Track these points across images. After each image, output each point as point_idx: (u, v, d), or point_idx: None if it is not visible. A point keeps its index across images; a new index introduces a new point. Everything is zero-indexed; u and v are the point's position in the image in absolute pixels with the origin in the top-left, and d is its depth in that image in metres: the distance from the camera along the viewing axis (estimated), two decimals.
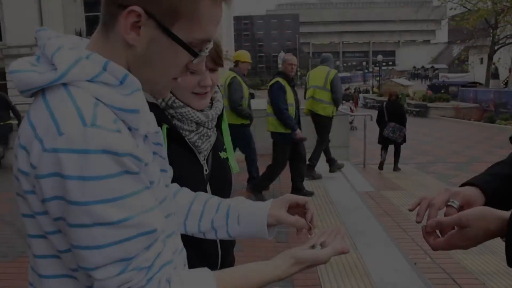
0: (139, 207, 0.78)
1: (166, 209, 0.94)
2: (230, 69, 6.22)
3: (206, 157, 1.45)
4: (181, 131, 1.38)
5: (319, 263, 0.98)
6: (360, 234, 4.81)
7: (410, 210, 1.15)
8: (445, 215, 1.09)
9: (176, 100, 1.36)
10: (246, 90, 6.11)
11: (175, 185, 1.25)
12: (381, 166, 9.39)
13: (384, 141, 9.33)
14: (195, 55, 0.86)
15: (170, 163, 1.31)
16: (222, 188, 1.49)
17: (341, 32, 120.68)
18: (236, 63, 6.19)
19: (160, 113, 1.33)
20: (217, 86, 1.51)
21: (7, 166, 7.85)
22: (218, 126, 1.51)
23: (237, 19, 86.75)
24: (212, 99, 1.48)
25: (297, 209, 1.12)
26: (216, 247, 1.47)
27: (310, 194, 6.15)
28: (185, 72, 0.93)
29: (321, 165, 7.60)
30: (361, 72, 79.46)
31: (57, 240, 0.80)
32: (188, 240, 1.17)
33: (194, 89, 1.35)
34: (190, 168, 1.40)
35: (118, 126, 0.77)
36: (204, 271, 0.89)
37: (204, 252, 1.38)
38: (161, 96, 0.96)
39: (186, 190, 1.25)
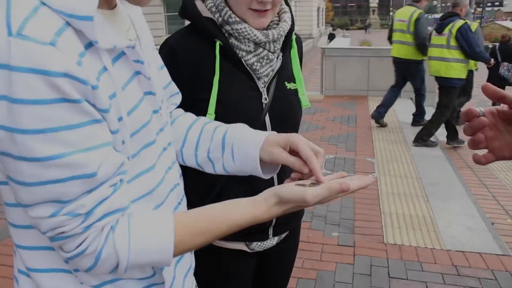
0: (77, 144, 0.63)
1: (147, 137, 0.78)
2: (410, 4, 6.15)
3: (266, 84, 1.27)
4: (237, 51, 1.22)
5: (306, 205, 0.78)
6: (434, 185, 4.45)
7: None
8: None
9: (233, 15, 1.20)
10: None
11: (179, 110, 1.10)
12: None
13: (499, 82, 8.54)
14: None
15: (225, 85, 1.20)
16: (285, 121, 1.30)
17: None
18: None
19: (214, 29, 1.20)
20: (287, 4, 1.32)
21: None
22: (287, 52, 1.32)
23: None
24: (279, 19, 1.29)
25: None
26: (272, 185, 1.29)
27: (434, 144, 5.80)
28: None
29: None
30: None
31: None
32: (236, 176, 1.02)
33: (251, 4, 1.17)
34: (246, 93, 1.24)
35: (56, 38, 0.60)
36: (161, 213, 0.76)
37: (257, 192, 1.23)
38: (138, 3, 0.76)
39: (188, 114, 1.09)
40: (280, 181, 1.33)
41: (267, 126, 1.27)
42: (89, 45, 0.66)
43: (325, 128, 6.71)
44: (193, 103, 1.22)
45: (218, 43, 1.20)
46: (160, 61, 1.00)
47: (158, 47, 1.20)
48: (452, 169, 4.94)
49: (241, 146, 0.95)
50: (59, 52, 0.60)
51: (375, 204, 4.04)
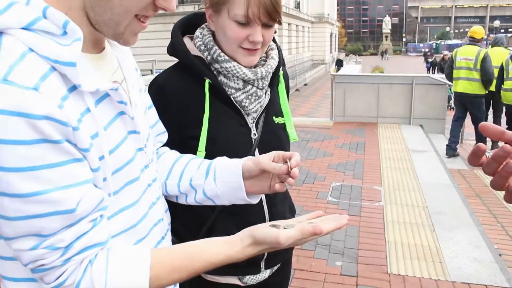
0: (57, 182, 0.67)
1: (131, 174, 0.82)
2: (471, 44, 6.88)
3: (255, 120, 1.30)
4: (227, 88, 1.25)
5: (279, 247, 0.81)
6: (441, 214, 4.40)
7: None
8: None
9: (222, 54, 1.23)
10: None
11: (165, 148, 1.14)
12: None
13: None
14: None
15: (215, 122, 1.23)
16: None
17: None
18: (473, 39, 6.88)
19: (203, 67, 1.22)
20: (275, 43, 1.35)
21: None
22: (275, 87, 1.35)
23: None
24: (266, 57, 1.32)
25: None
26: (263, 219, 1.33)
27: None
28: (155, 11, 0.79)
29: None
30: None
31: None
32: (228, 210, 1.10)
33: (242, 43, 1.20)
34: (236, 129, 1.27)
35: (39, 82, 0.65)
36: (139, 249, 0.79)
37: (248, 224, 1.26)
38: (126, 44, 0.81)
39: (174, 151, 1.14)
40: (271, 215, 1.34)
41: None
42: (73, 88, 0.70)
43: (333, 155, 6.70)
44: (183, 141, 1.24)
45: (207, 81, 1.22)
46: (148, 101, 1.04)
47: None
48: (460, 198, 4.89)
49: (223, 166, 1.02)
50: (41, 96, 0.64)
51: (380, 233, 4.00)
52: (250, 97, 1.27)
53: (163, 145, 1.16)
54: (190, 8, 15.25)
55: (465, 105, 7.06)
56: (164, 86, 1.26)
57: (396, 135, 7.95)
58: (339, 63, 26.33)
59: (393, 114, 8.90)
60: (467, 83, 6.85)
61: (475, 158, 0.68)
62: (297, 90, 18.38)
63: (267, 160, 0.98)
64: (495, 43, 7.50)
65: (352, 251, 3.67)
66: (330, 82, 9.52)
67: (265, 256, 1.38)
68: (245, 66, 1.23)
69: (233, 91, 1.26)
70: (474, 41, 6.91)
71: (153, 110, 1.08)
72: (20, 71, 0.64)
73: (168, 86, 1.25)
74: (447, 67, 7.45)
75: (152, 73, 10.36)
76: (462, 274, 3.29)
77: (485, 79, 6.64)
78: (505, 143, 0.68)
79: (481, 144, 0.68)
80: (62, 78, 0.68)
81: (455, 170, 6.27)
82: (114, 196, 0.78)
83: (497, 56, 6.95)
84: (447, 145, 7.13)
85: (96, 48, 0.81)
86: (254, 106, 1.28)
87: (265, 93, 1.31)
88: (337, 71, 21.66)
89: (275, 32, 1.28)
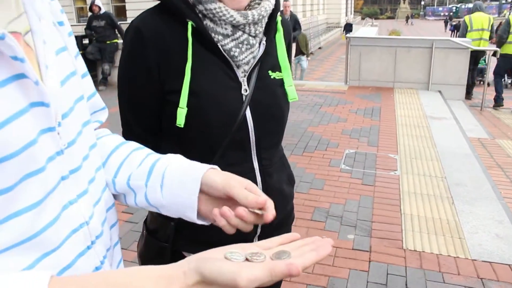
0: None
1: (31, 165, 0.57)
2: None
3: (247, 73, 1.09)
4: (213, 34, 1.03)
5: None
6: (461, 186, 4.15)
7: None
8: None
9: None
10: None
11: (105, 130, 0.91)
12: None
13: None
14: None
15: (199, 74, 1.00)
16: (269, 116, 1.12)
17: None
18: None
19: (186, 8, 1.01)
20: None
21: (113, 83, 8.08)
22: (271, 36, 1.14)
23: None
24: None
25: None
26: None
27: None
28: None
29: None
30: (497, 2, 70.71)
31: None
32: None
33: None
34: (223, 82, 1.06)
35: None
36: (27, 278, 0.50)
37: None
38: None
39: (116, 137, 0.91)
40: (266, 186, 1.14)
41: (248, 121, 1.08)
42: None
43: (347, 120, 6.43)
44: (164, 96, 1.05)
45: (190, 23, 1.01)
46: (81, 67, 0.79)
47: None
48: (481, 169, 4.62)
49: (176, 174, 0.77)
50: None
51: (395, 204, 3.77)
52: (240, 45, 1.06)
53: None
54: None
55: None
56: (141, 30, 1.03)
57: (413, 101, 7.62)
58: (348, 28, 23.70)
59: (411, 79, 8.58)
60: None
61: None
62: (311, 53, 17.87)
63: (239, 187, 0.73)
64: (475, 9, 9.13)
65: (366, 223, 3.46)
66: (345, 45, 9.14)
67: (258, 233, 1.19)
68: (233, 9, 1.02)
69: (220, 37, 1.05)
70: None
71: (89, 79, 0.83)
72: None
73: (146, 29, 1.03)
74: (503, 31, 8.40)
75: None
76: (483, 251, 3.07)
77: None
78: None
79: None
80: None
81: (475, 139, 5.97)
82: (3, 196, 0.54)
83: (479, 20, 8.91)
84: (495, 98, 8.72)
85: None
86: (246, 57, 1.08)
87: (259, 43, 1.10)
88: (345, 37, 20.77)
89: None
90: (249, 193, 0.72)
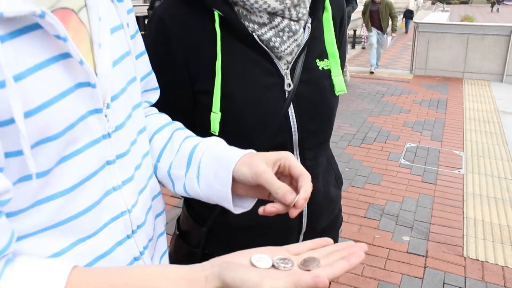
0: None
1: (71, 147, 0.56)
2: None
3: (290, 65, 0.93)
4: (247, 23, 0.89)
5: None
6: None
7: None
8: None
9: None
10: None
11: (152, 109, 0.85)
12: None
13: None
14: None
15: (232, 72, 0.91)
16: (316, 115, 0.98)
17: None
18: None
19: None
20: None
21: None
22: (318, 17, 0.97)
23: None
24: None
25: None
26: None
27: None
28: None
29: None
30: None
31: None
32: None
33: None
34: (262, 80, 0.91)
35: None
36: (52, 266, 0.51)
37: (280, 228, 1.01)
38: None
39: (161, 116, 0.85)
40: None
41: (292, 122, 0.94)
42: None
43: (411, 111, 6.12)
44: (195, 97, 0.94)
45: (216, 13, 0.86)
46: (140, 46, 0.77)
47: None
48: None
49: (209, 163, 0.73)
50: None
51: (458, 206, 3.51)
52: (281, 33, 0.90)
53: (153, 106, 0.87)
54: None
55: None
56: (164, 21, 0.90)
57: (484, 93, 7.13)
58: (408, 15, 19.71)
59: (483, 69, 8.05)
60: None
61: None
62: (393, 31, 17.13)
63: (270, 174, 0.67)
64: None
65: (423, 225, 3.24)
66: (413, 31, 8.69)
67: (303, 230, 1.07)
68: None
69: (256, 26, 0.89)
70: None
71: (145, 59, 0.79)
72: None
73: (169, 19, 0.90)
74: None
75: None
76: None
77: None
78: None
79: None
80: None
81: None
82: (40, 180, 0.53)
83: None
84: None
85: None
86: (289, 46, 0.91)
87: (304, 27, 0.94)
88: (404, 26, 19.39)
89: None
90: (279, 186, 0.66)
